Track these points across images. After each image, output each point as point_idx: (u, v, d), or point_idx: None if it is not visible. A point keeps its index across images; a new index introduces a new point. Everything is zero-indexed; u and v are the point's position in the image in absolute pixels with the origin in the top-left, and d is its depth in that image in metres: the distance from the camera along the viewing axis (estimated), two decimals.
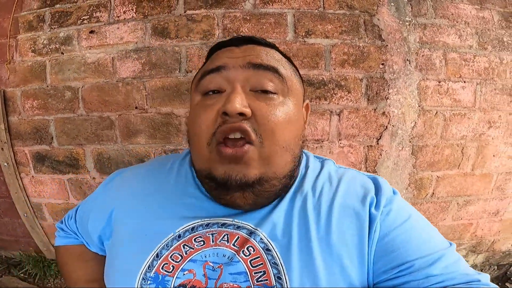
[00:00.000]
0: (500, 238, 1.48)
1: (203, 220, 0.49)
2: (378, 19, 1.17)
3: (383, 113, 1.19)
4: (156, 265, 0.45)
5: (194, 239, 0.47)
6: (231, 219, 0.49)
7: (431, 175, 1.27)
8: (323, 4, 1.17)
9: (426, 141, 1.23)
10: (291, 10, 1.17)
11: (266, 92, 0.47)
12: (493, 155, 1.29)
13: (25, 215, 1.40)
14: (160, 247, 0.47)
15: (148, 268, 0.45)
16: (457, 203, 1.33)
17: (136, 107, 1.24)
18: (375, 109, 1.18)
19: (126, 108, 1.24)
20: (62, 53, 1.27)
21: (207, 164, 0.47)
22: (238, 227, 0.48)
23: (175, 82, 1.20)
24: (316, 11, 1.17)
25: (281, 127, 0.46)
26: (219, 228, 0.48)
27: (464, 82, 1.21)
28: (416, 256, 0.42)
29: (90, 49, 1.25)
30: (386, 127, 1.20)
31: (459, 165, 1.27)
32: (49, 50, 1.28)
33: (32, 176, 1.38)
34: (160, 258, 0.46)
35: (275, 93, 0.48)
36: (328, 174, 0.55)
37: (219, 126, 0.45)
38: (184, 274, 0.44)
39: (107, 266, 0.53)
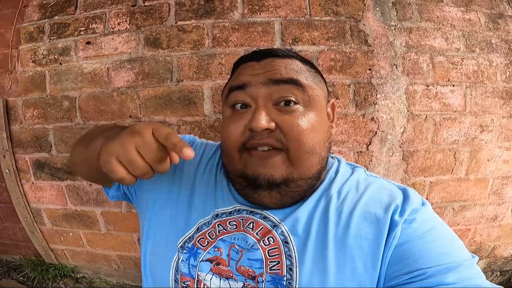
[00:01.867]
0: (500, 244, 1.44)
1: (236, 206, 0.55)
2: (364, 25, 1.18)
3: (372, 118, 1.19)
4: (195, 237, 0.52)
5: (229, 222, 0.53)
6: (260, 210, 0.54)
7: (424, 180, 1.26)
8: (310, 11, 1.19)
9: (416, 146, 1.22)
10: (278, 18, 1.19)
11: (288, 104, 0.51)
12: (488, 160, 1.27)
13: (25, 220, 1.45)
14: (202, 222, 0.54)
15: (189, 239, 0.53)
16: (453, 209, 1.31)
17: (130, 116, 1.27)
18: (363, 115, 1.19)
19: (120, 117, 1.28)
20: (61, 64, 1.32)
21: (241, 165, 0.52)
22: (265, 217, 0.52)
23: (167, 91, 1.24)
24: (303, 18, 1.19)
25: (305, 135, 0.49)
26: (247, 215, 0.53)
27: (453, 85, 1.20)
28: (431, 264, 0.41)
29: (86, 59, 1.30)
30: (376, 132, 1.20)
31: (452, 170, 1.26)
32: (48, 61, 1.34)
33: (32, 183, 1.43)
34: (200, 232, 0.53)
35: (297, 103, 0.51)
36: (356, 181, 0.57)
37: (248, 140, 0.50)
38: (214, 250, 0.51)
39: (148, 225, 0.59)
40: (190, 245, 0.52)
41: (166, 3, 1.24)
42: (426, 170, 1.25)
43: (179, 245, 0.53)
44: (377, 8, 1.19)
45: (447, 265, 0.41)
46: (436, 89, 1.19)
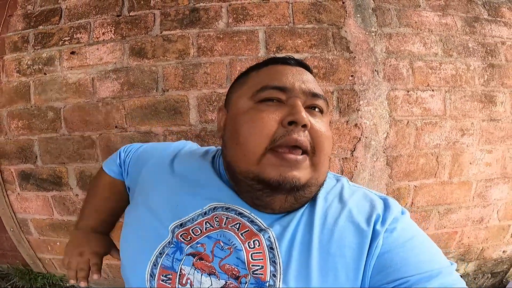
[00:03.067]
0: (489, 246, 1.46)
1: (225, 203, 0.55)
2: (346, 31, 1.21)
3: (356, 125, 1.21)
4: (176, 233, 0.52)
5: (214, 218, 0.53)
6: (248, 211, 0.53)
7: (408, 185, 1.28)
8: (293, 19, 1.21)
9: (399, 151, 1.24)
10: (262, 27, 1.21)
11: (314, 108, 0.54)
12: (470, 163, 1.29)
13: (12, 230, 1.43)
14: (187, 219, 0.54)
15: (178, 227, 0.53)
16: (438, 212, 1.33)
17: (116, 126, 1.27)
18: (347, 121, 1.20)
19: (106, 128, 1.28)
20: (45, 74, 1.32)
21: (257, 168, 0.49)
22: (252, 221, 0.52)
23: (152, 101, 1.24)
24: (286, 26, 1.21)
25: (328, 141, 0.52)
26: (235, 215, 0.53)
27: (433, 90, 1.23)
28: (413, 273, 0.42)
29: (71, 69, 1.30)
30: (360, 139, 1.22)
31: (435, 174, 1.28)
32: (32, 71, 1.33)
33: (18, 193, 1.42)
34: (183, 227, 0.53)
35: (321, 111, 0.54)
36: (340, 190, 0.58)
37: (282, 135, 0.48)
38: (197, 246, 0.51)
39: (135, 220, 0.60)
40: (176, 238, 0.52)
41: (151, 13, 1.25)
42: (410, 174, 1.27)
43: (167, 241, 0.53)
44: (358, 15, 1.22)
45: (428, 272, 0.42)
46: (417, 94, 1.22)
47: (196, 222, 0.53)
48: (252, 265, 0.47)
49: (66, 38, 1.31)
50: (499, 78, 1.26)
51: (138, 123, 1.26)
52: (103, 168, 0.82)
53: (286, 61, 0.59)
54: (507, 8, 1.32)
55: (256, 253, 0.49)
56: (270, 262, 0.47)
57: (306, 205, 0.54)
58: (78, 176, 1.33)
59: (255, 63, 0.61)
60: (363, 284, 0.46)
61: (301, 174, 0.48)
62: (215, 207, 0.54)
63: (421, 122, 1.23)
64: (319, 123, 0.51)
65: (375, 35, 1.21)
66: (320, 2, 1.21)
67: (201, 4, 1.23)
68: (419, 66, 1.22)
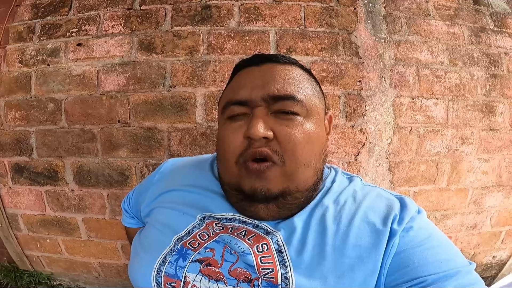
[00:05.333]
0: (480, 251, 1.50)
1: (228, 214, 0.55)
2: (356, 37, 1.23)
3: (361, 130, 1.23)
4: (185, 240, 0.52)
5: (215, 224, 0.54)
6: (252, 220, 0.53)
7: (408, 190, 1.30)
8: (304, 22, 1.23)
9: (402, 158, 1.26)
10: (273, 28, 1.22)
11: (287, 113, 0.50)
12: (468, 171, 1.33)
13: (0, 225, 1.37)
14: (193, 225, 0.54)
15: (177, 241, 0.52)
16: (435, 217, 1.36)
17: (118, 121, 1.25)
18: (353, 126, 1.22)
19: (108, 122, 1.25)
20: (48, 65, 1.28)
21: (236, 179, 0.51)
22: (257, 227, 0.52)
23: (158, 97, 1.22)
24: (298, 29, 1.22)
25: (301, 147, 0.49)
26: (239, 224, 0.53)
27: (437, 98, 1.27)
28: (431, 272, 0.42)
29: (76, 61, 1.27)
30: (364, 143, 1.23)
31: (434, 181, 1.31)
32: (36, 61, 1.29)
33: (10, 187, 1.36)
34: (191, 234, 0.53)
35: (296, 114, 0.51)
36: (353, 190, 0.57)
37: (246, 149, 0.49)
38: (205, 251, 0.50)
39: (142, 236, 0.60)
40: (179, 246, 0.51)
41: (162, 8, 1.25)
42: (410, 180, 1.29)
43: (169, 248, 0.52)
44: (369, 21, 1.25)
45: (446, 272, 0.42)
46: (421, 101, 1.25)
47: (202, 227, 0.54)
48: (262, 269, 0.47)
49: (74, 30, 1.28)
50: (500, 89, 1.31)
51: (142, 118, 1.24)
52: (124, 226, 0.86)
53: (253, 62, 0.56)
54: None
55: (265, 256, 0.48)
56: (280, 265, 0.47)
57: (311, 208, 0.53)
58: (75, 171, 1.29)
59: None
60: (378, 284, 0.45)
61: (270, 184, 0.48)
62: (219, 218, 0.55)
63: (424, 129, 1.26)
64: (289, 129, 0.49)
65: (384, 41, 1.24)
66: (332, 6, 1.24)
67: (214, 1, 1.23)
68: (425, 74, 1.26)
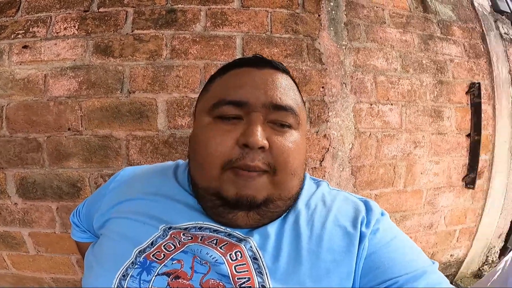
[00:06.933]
0: (438, 250, 1.59)
1: (197, 222, 0.51)
2: (319, 43, 1.28)
3: (325, 135, 1.26)
4: (148, 251, 0.47)
5: (183, 234, 0.50)
6: (223, 227, 0.50)
7: (370, 193, 1.35)
8: (271, 28, 1.25)
9: (363, 162, 1.32)
10: (240, 33, 1.22)
11: (283, 126, 0.49)
12: (421, 173, 1.42)
13: None
14: (156, 236, 0.50)
15: (139, 253, 0.47)
16: (395, 219, 1.42)
17: (69, 129, 1.14)
18: (317, 132, 1.25)
19: (57, 130, 1.14)
20: None
21: (217, 183, 0.47)
22: (229, 235, 0.49)
23: (115, 103, 1.15)
24: (264, 34, 1.24)
25: (292, 158, 0.48)
26: (210, 233, 0.50)
27: (392, 104, 1.35)
28: (401, 273, 0.43)
29: (20, 64, 1.15)
30: (328, 149, 1.27)
31: (392, 183, 1.38)
32: None
33: None
34: (154, 246, 0.48)
35: (289, 127, 0.50)
36: (322, 194, 0.57)
37: (239, 158, 0.46)
38: (172, 263, 0.46)
39: (96, 249, 0.54)
40: (141, 259, 0.47)
41: (123, 10, 1.19)
42: (371, 183, 1.34)
43: (130, 261, 0.47)
44: (332, 28, 1.30)
45: (414, 272, 0.44)
46: (378, 107, 1.33)
47: (166, 238, 0.49)
48: (237, 278, 0.44)
49: (20, 32, 1.17)
50: (446, 94, 1.44)
51: (97, 126, 1.14)
52: (75, 240, 0.79)
53: (253, 63, 0.53)
54: (457, 27, 1.53)
55: (240, 265, 0.46)
56: (256, 273, 0.45)
57: (285, 213, 0.53)
58: (18, 183, 1.15)
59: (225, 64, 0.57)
60: (354, 286, 0.46)
61: (258, 192, 0.46)
62: (186, 227, 0.51)
63: (381, 134, 1.33)
64: (283, 140, 0.48)
65: (345, 48, 1.30)
66: (298, 13, 1.28)
67: (180, 5, 1.21)
68: (381, 80, 1.34)
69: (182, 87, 1.17)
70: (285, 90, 0.51)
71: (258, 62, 0.53)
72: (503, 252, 1.80)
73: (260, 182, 0.46)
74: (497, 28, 1.61)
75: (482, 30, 1.57)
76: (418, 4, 1.48)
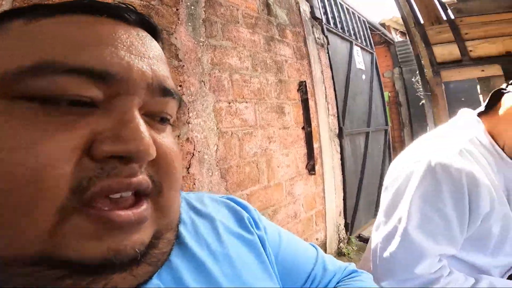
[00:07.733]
0: (306, 237, 1.73)
1: None
2: (176, 38, 1.18)
3: (187, 139, 1.15)
4: None
5: None
6: None
7: (242, 194, 1.33)
8: None
9: (229, 163, 1.29)
10: None
11: (164, 121, 0.29)
12: (278, 166, 1.55)
13: None
14: None
15: None
16: (268, 215, 1.46)
17: None
18: (178, 136, 1.13)
19: None
20: None
21: (53, 242, 0.22)
22: None
23: None
24: None
25: (179, 168, 0.30)
26: None
27: (247, 102, 1.41)
28: (311, 267, 0.44)
29: None
30: (193, 154, 1.16)
31: (258, 180, 1.42)
32: None
33: None
34: None
35: (168, 122, 0.30)
36: (186, 203, 0.41)
37: (95, 177, 0.22)
38: None
39: None
40: None
41: None
42: (241, 184, 1.33)
43: None
44: (190, 23, 1.23)
45: (317, 262, 0.45)
46: (236, 105, 1.36)
47: None
48: None
49: None
50: (285, 92, 1.65)
51: None
52: None
53: (116, 12, 0.28)
54: (289, 30, 1.79)
55: None
56: None
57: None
58: None
59: None
60: None
61: (143, 235, 0.27)
62: None
63: (242, 132, 1.36)
64: (168, 143, 0.30)
65: (203, 45, 1.26)
66: (153, 5, 1.13)
67: None
68: (236, 79, 1.38)
69: None
70: (166, 66, 0.31)
71: (125, 13, 0.29)
72: (347, 228, 2.18)
73: (147, 215, 0.26)
74: (313, 33, 2.04)
75: (304, 34, 1.92)
76: (264, 7, 1.65)
